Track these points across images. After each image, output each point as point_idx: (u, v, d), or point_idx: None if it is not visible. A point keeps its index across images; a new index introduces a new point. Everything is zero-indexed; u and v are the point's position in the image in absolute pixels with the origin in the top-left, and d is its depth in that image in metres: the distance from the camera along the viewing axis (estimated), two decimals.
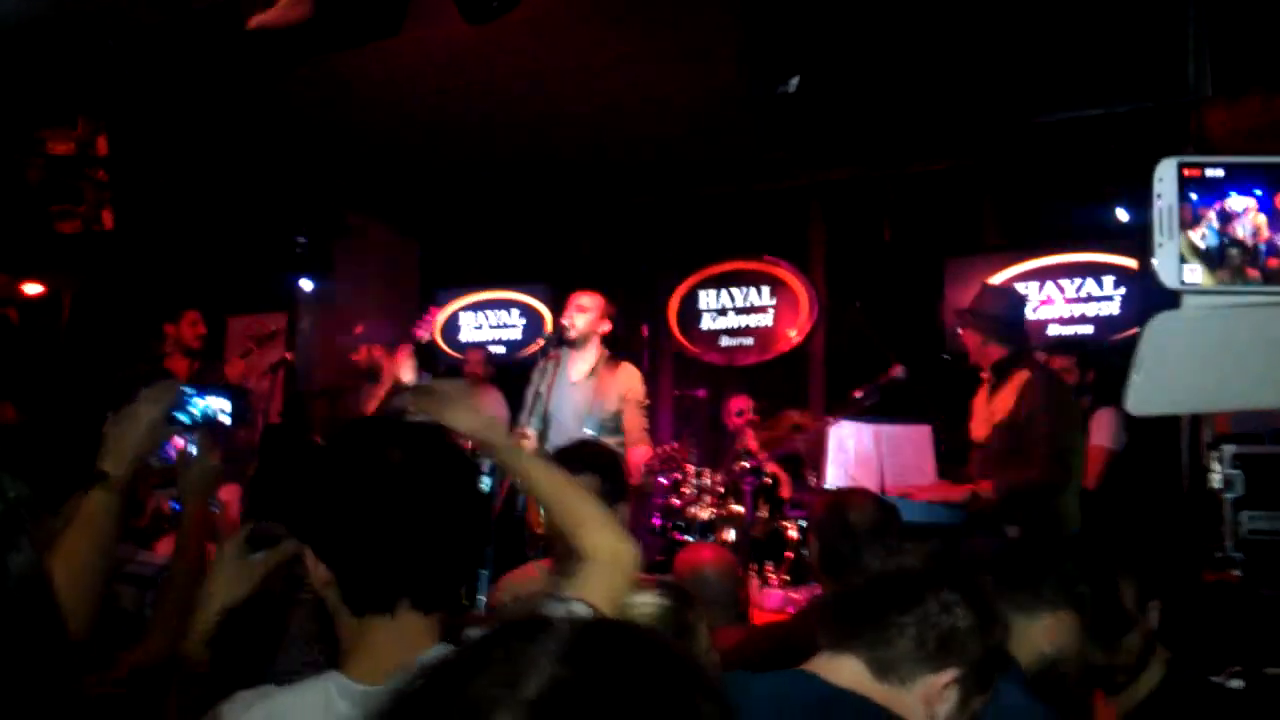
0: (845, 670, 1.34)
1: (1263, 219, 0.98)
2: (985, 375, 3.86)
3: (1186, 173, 0.94)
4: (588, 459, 2.64)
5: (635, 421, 4.45)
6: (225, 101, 5.32)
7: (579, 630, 0.68)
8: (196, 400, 1.76)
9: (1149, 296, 5.82)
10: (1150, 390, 1.00)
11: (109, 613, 2.36)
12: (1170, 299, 1.08)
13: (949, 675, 1.32)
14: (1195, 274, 0.94)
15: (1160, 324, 1.02)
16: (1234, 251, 0.95)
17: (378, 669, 1.23)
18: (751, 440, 5.49)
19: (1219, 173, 0.93)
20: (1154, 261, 0.95)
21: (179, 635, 1.81)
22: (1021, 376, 3.66)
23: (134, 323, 6.34)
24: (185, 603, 1.84)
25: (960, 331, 3.96)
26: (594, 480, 2.44)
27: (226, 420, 1.80)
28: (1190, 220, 0.95)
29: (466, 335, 7.88)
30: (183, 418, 1.75)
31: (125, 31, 4.49)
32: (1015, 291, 5.43)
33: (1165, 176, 0.95)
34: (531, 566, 2.82)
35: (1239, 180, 0.94)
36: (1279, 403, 1.33)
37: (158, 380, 1.72)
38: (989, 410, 3.75)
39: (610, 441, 4.42)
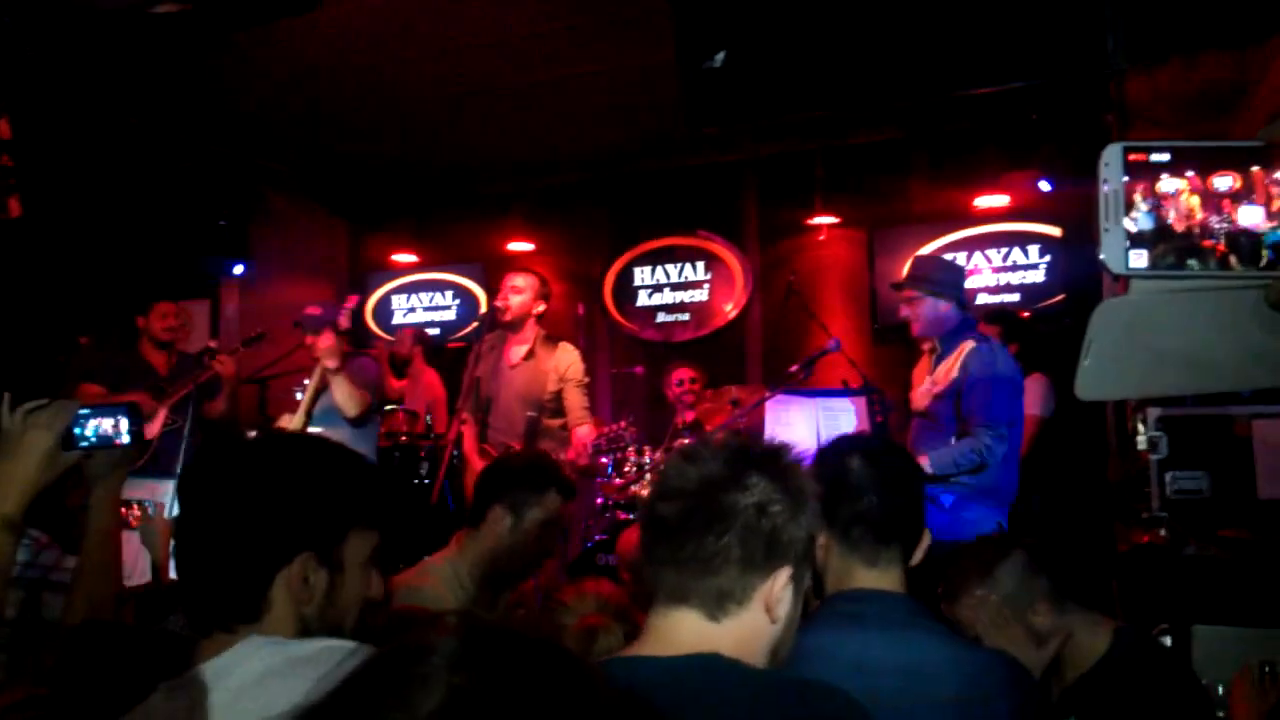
0: (682, 630, 1.26)
1: (1195, 201, 0.98)
2: (927, 346, 3.83)
3: (1132, 158, 0.94)
4: None
5: (576, 401, 4.41)
6: (135, 79, 5.11)
7: (465, 639, 0.65)
8: (91, 421, 1.65)
9: (1073, 264, 5.96)
10: (1099, 376, 1.01)
11: (36, 623, 2.27)
12: (1095, 267, 1.08)
13: (784, 576, 1.27)
14: (1141, 259, 0.94)
15: (1108, 309, 1.03)
16: (1176, 235, 0.95)
17: None
18: (690, 415, 5.51)
19: (1165, 156, 0.94)
20: (1099, 248, 0.95)
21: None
22: (966, 346, 3.67)
23: (48, 314, 6.09)
24: (98, 593, 1.77)
25: (909, 302, 3.79)
26: None
27: (125, 440, 1.68)
28: (1134, 205, 0.95)
29: (399, 318, 7.74)
30: (79, 441, 1.63)
31: (23, 8, 4.27)
32: (949, 259, 5.44)
33: (1111, 161, 0.94)
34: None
35: (1184, 163, 0.94)
36: (1225, 387, 1.37)
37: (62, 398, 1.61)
38: (931, 380, 3.76)
39: (552, 423, 4.39)
